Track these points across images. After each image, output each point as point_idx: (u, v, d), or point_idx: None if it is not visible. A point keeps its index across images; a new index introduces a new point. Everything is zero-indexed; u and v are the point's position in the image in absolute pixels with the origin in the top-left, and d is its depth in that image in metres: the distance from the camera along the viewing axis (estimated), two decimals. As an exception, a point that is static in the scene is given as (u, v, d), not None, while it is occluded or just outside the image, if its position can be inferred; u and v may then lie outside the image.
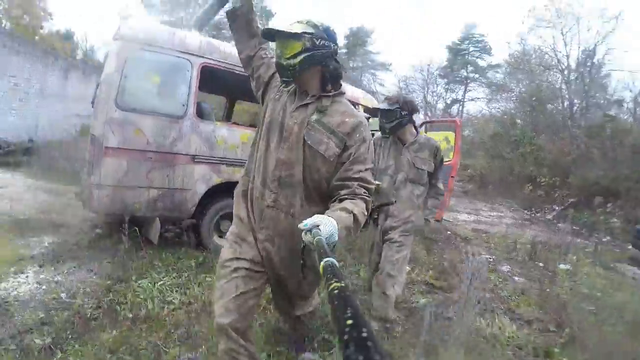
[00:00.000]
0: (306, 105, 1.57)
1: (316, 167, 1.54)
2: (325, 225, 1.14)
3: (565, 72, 13.14)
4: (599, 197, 9.08)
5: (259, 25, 1.78)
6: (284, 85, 1.63)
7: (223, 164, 3.61)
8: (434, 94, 26.97)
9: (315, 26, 1.51)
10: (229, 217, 3.75)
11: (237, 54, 3.55)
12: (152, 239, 3.30)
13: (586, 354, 2.88)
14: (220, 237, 3.81)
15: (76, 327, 2.20)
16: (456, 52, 26.42)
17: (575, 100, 12.87)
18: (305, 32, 1.48)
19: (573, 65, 13.17)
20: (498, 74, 22.01)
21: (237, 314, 1.56)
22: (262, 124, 1.65)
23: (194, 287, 2.94)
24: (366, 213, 1.43)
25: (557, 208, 9.96)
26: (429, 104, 25.78)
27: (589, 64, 12.90)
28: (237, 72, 3.66)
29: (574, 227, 8.23)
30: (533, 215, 10.48)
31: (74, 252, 3.18)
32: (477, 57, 26.30)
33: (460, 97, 26.98)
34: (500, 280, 4.62)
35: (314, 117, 1.55)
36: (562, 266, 5.53)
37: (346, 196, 1.45)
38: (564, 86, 13.29)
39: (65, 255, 3.14)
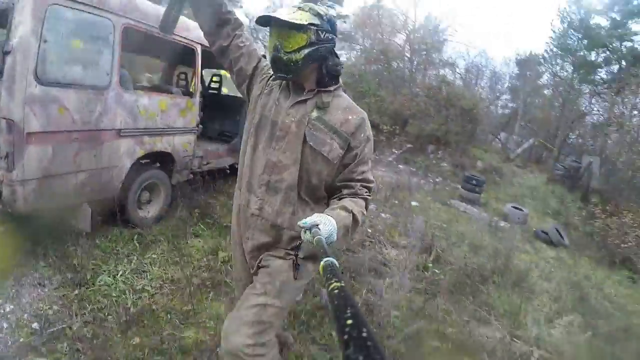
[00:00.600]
0: (304, 101, 1.38)
1: (316, 170, 1.38)
2: (325, 224, 1.09)
3: (411, 35, 15.12)
4: (432, 145, 11.46)
5: (230, 9, 1.51)
6: (272, 78, 1.45)
7: (146, 135, 3.32)
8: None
9: (319, 15, 1.32)
10: (148, 188, 3.58)
11: (156, 14, 3.19)
12: (83, 227, 2.89)
13: (449, 265, 4.15)
14: (140, 209, 3.60)
15: (87, 356, 1.95)
16: (307, -1, 26.09)
17: (415, 60, 15.10)
18: (311, 24, 1.29)
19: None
20: (345, 24, 23.12)
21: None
22: (251, 122, 1.47)
23: (152, 269, 2.87)
24: (365, 212, 1.36)
25: (396, 152, 11.98)
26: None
27: (431, 27, 15.20)
28: (156, 34, 3.27)
29: (412, 169, 10.25)
30: (376, 157, 12.41)
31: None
32: (328, 6, 26.48)
33: None
34: (372, 217, 5.73)
35: (314, 114, 1.37)
36: (413, 203, 7.06)
37: (347, 195, 1.37)
38: (407, 47, 15.31)
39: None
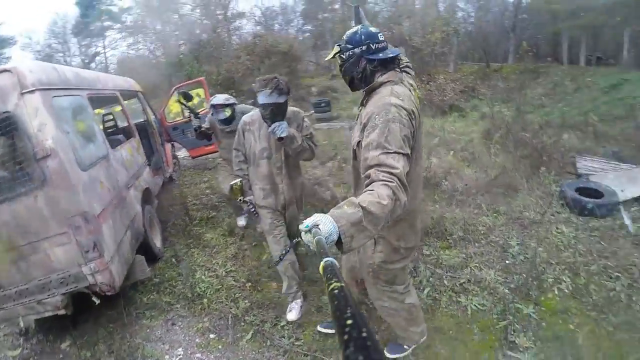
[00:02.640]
0: (359, 103, 1.62)
1: (357, 155, 1.53)
2: (325, 224, 1.00)
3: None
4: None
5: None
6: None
7: (135, 179, 3.35)
8: (67, 54, 21.17)
9: (342, 41, 1.53)
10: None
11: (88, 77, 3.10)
12: (144, 275, 2.86)
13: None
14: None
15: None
16: (87, 5, 20.66)
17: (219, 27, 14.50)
18: (335, 53, 1.56)
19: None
20: (131, 15, 19.69)
21: None
22: None
23: (210, 264, 3.33)
24: (385, 202, 1.12)
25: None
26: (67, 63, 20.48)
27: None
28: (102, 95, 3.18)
29: None
30: None
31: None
32: (109, 5, 21.59)
33: (100, 49, 22.47)
34: None
35: (360, 112, 1.55)
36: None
37: (368, 187, 1.21)
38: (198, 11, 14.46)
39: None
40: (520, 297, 2.42)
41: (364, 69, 1.50)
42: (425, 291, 2.54)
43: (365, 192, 1.17)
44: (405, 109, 1.36)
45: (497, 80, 12.58)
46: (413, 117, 1.40)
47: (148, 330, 2.60)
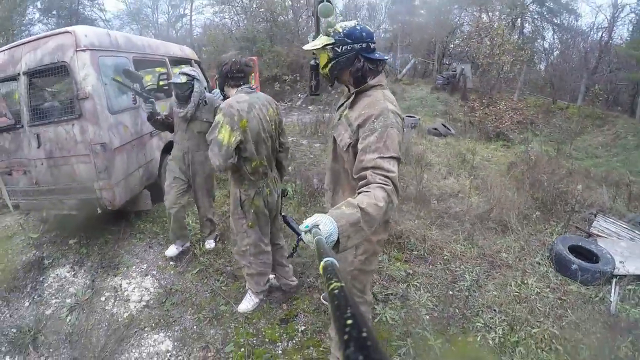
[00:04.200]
0: (343, 104, 1.56)
1: (340, 157, 1.53)
2: (325, 224, 1.00)
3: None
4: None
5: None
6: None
7: (161, 132, 4.03)
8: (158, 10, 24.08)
9: (337, 33, 1.41)
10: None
11: (138, 42, 3.77)
12: (145, 207, 3.60)
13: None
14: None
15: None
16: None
17: (302, 13, 15.13)
18: (326, 45, 1.42)
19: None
20: None
21: None
22: None
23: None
24: (382, 204, 1.15)
25: (301, 96, 12.96)
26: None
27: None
28: (148, 58, 3.87)
29: (319, 107, 11.30)
30: (287, 104, 13.18)
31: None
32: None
33: (187, 12, 25.00)
34: (309, 149, 6.87)
35: (345, 112, 1.49)
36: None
37: (363, 189, 1.23)
38: (289, 2, 15.33)
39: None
40: (435, 328, 2.28)
41: (361, 68, 1.44)
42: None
43: (361, 193, 1.20)
44: (399, 116, 1.41)
45: (560, 119, 11.46)
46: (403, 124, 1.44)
47: (132, 247, 3.31)
